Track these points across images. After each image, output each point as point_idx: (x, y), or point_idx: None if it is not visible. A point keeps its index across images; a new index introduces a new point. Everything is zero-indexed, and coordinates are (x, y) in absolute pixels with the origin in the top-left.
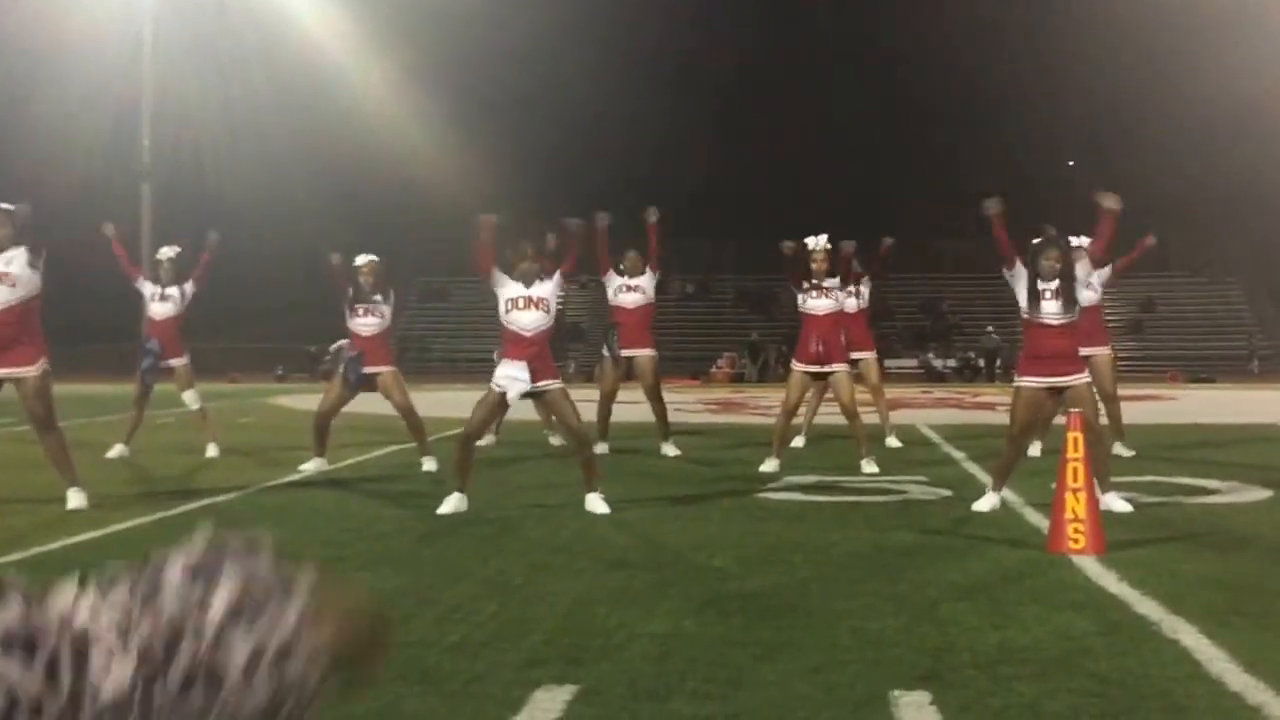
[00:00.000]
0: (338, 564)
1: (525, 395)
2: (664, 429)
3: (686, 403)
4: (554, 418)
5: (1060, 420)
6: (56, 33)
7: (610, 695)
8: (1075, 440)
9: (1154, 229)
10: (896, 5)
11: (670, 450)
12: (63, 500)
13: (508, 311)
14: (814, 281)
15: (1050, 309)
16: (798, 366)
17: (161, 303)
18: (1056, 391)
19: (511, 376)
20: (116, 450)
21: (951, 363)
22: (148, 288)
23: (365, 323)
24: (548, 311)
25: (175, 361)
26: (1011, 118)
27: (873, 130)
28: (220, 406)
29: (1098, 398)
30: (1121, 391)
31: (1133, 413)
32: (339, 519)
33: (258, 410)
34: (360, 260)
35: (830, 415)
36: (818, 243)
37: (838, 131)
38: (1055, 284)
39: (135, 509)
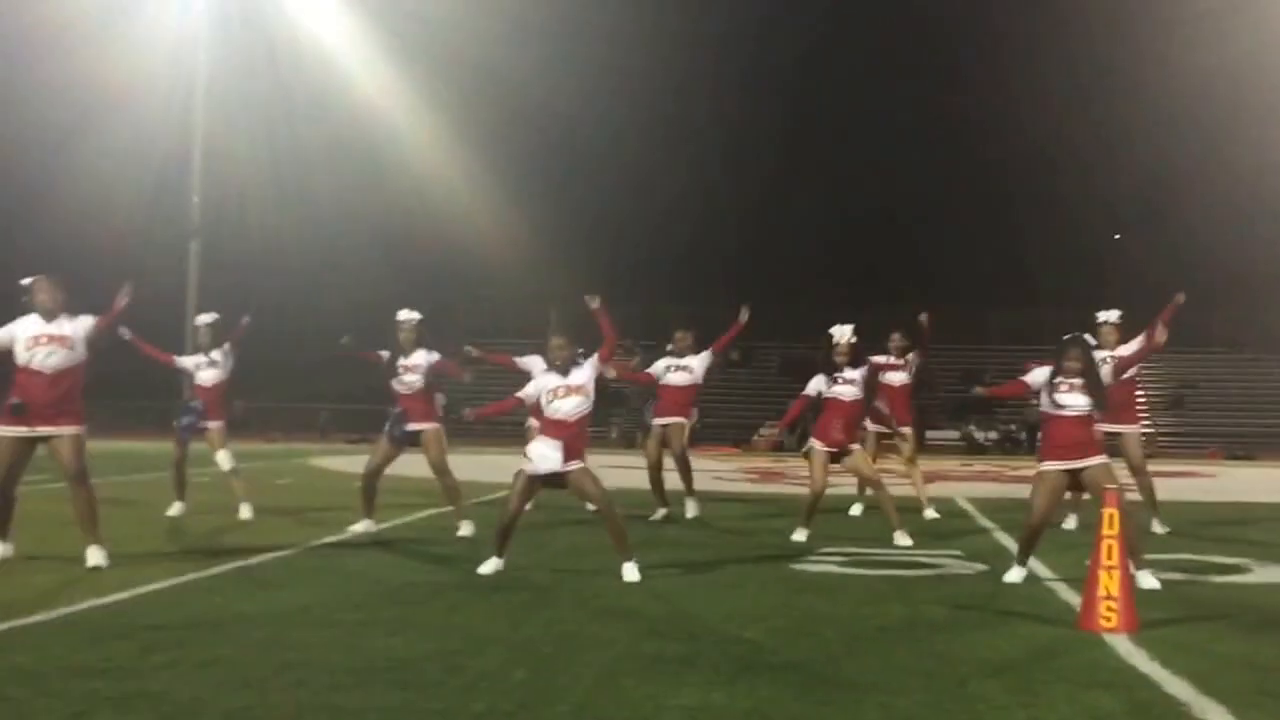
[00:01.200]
0: (367, 629)
1: (549, 476)
2: (687, 488)
3: (726, 471)
4: (584, 497)
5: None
6: (109, 90)
7: None
8: (1110, 517)
9: (1195, 304)
10: (950, 79)
11: (692, 510)
12: (65, 564)
13: (549, 402)
14: (840, 375)
15: (1066, 400)
16: (818, 446)
17: (209, 369)
18: (1076, 473)
19: (543, 454)
20: (176, 508)
21: (993, 435)
22: (189, 361)
23: (404, 381)
24: (587, 396)
25: (211, 424)
26: (1062, 191)
27: (920, 199)
28: (257, 467)
29: (1129, 470)
30: (1160, 468)
31: (1171, 489)
32: (371, 582)
33: (296, 471)
34: (400, 317)
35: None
36: (842, 334)
37: (885, 200)
38: (1077, 380)
39: (165, 570)
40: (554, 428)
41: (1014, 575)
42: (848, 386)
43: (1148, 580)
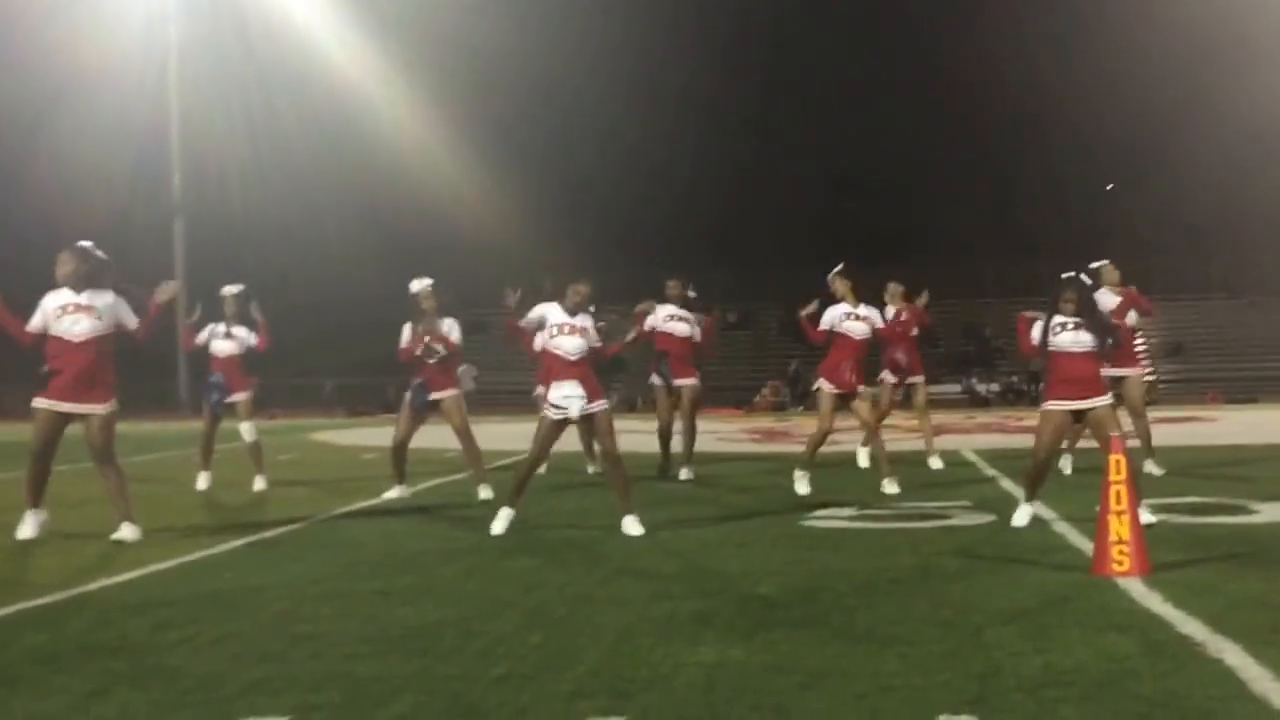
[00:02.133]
0: (382, 598)
1: (581, 415)
2: (688, 453)
3: (731, 432)
4: (595, 440)
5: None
6: (82, 65)
7: None
8: (1118, 463)
9: (1191, 251)
10: (937, 31)
11: (686, 474)
12: (98, 539)
13: (553, 336)
14: (854, 311)
15: (1067, 339)
16: (828, 388)
17: (225, 341)
18: (1080, 413)
19: (569, 395)
20: (203, 480)
21: (995, 387)
22: (204, 333)
23: (435, 351)
24: (587, 339)
25: (238, 396)
26: (1053, 141)
27: (916, 156)
28: (261, 443)
29: (1126, 414)
30: (1162, 414)
31: (1174, 434)
32: (382, 552)
33: (299, 446)
34: (415, 287)
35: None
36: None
37: (881, 157)
38: (1076, 319)
39: (176, 547)
40: (563, 368)
41: (1022, 515)
42: (859, 324)
43: (1142, 515)
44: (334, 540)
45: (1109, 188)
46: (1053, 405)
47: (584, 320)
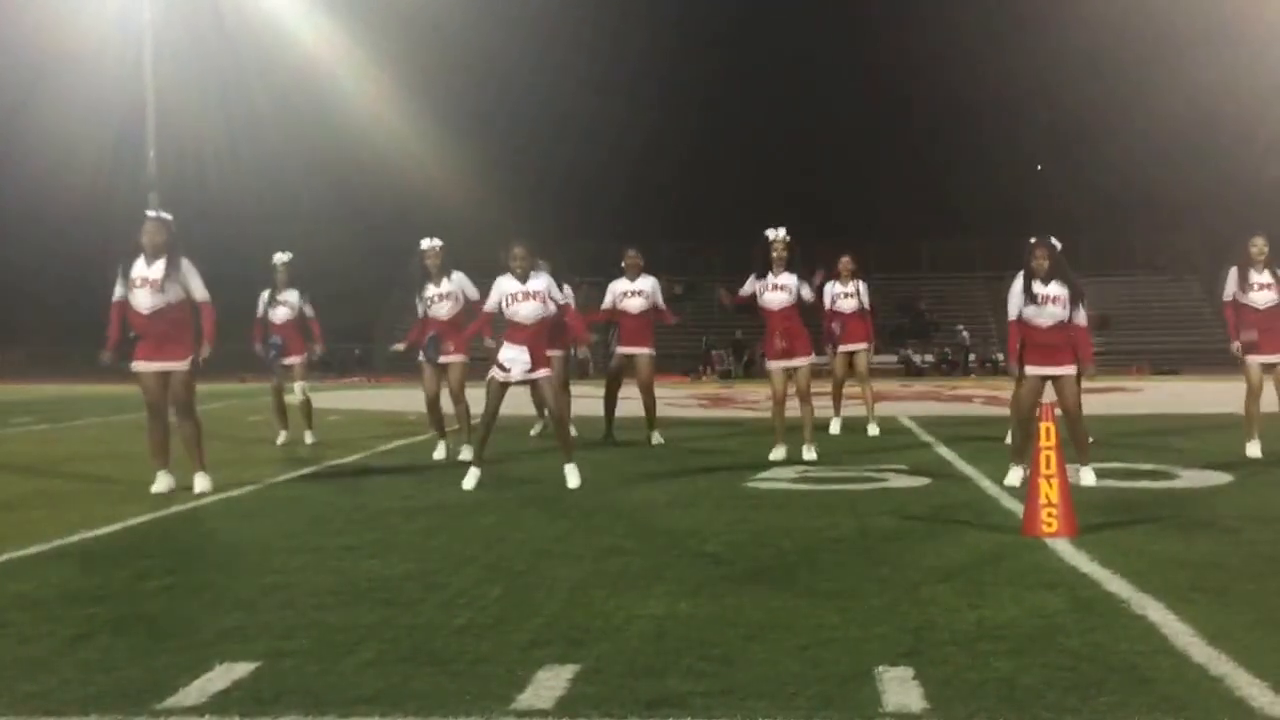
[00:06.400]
0: (349, 552)
1: (522, 379)
2: (651, 420)
3: (678, 398)
4: (543, 401)
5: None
6: (58, 46)
7: (610, 674)
8: (1048, 430)
9: (1119, 229)
10: (878, 19)
11: (657, 439)
12: (81, 494)
13: (508, 305)
14: (774, 272)
15: (1048, 311)
16: (771, 363)
17: (280, 308)
18: (1046, 379)
19: (513, 358)
20: (282, 437)
21: (929, 357)
22: (261, 302)
23: (441, 308)
24: (544, 303)
25: (293, 359)
26: (986, 125)
27: (856, 138)
28: (231, 405)
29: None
30: (1090, 384)
31: (1101, 404)
32: (350, 510)
33: (266, 408)
34: (425, 245)
35: (824, 408)
36: (777, 234)
37: (823, 139)
38: (1053, 286)
39: (152, 503)
40: (516, 332)
41: (1013, 476)
42: (777, 293)
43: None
44: (302, 498)
45: (1039, 169)
46: (1030, 370)
47: (536, 284)
